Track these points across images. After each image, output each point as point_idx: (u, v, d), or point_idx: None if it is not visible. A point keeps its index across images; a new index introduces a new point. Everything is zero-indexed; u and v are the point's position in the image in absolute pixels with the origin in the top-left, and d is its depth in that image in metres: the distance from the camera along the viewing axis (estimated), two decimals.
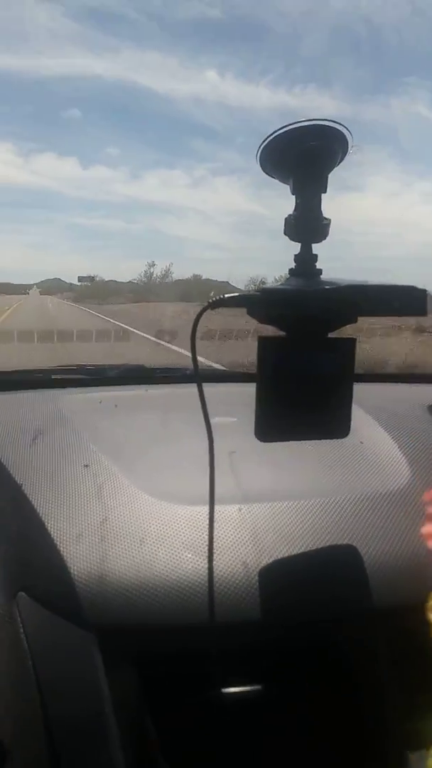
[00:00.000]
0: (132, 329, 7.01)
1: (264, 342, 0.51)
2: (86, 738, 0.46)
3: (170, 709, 0.48)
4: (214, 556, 0.52)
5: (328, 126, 0.46)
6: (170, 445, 0.71)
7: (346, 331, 0.52)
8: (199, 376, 0.52)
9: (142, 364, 1.06)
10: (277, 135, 0.47)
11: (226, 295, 0.53)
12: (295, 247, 0.51)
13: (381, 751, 0.51)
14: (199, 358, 0.52)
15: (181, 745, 0.49)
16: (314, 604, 0.51)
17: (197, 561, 0.52)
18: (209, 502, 0.51)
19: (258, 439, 0.52)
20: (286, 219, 0.51)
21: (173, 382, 0.96)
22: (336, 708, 0.51)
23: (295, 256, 0.51)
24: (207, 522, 0.52)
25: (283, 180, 0.50)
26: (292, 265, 0.52)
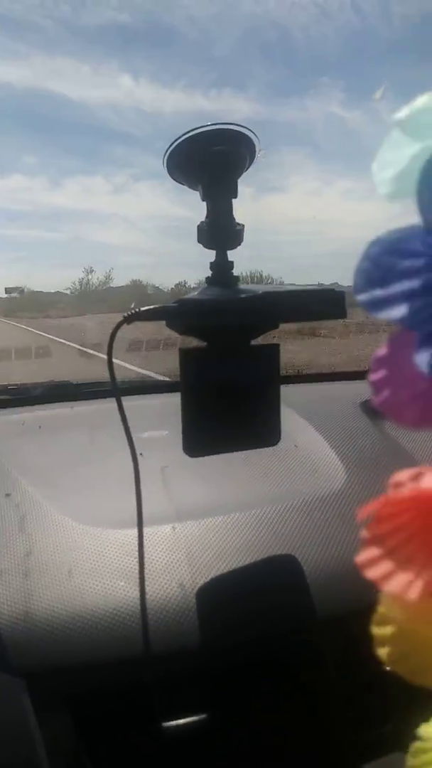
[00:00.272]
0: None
1: (185, 354, 0.50)
2: None
3: (108, 749, 0.45)
4: (148, 581, 0.49)
5: (232, 130, 0.45)
6: (98, 466, 0.68)
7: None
8: (117, 390, 0.50)
9: (68, 381, 1.01)
10: (182, 141, 0.46)
11: (143, 309, 0.51)
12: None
13: (341, 764, 0.50)
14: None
15: None
16: (256, 621, 0.50)
17: (130, 589, 0.49)
18: (137, 523, 0.49)
19: (186, 454, 0.51)
20: (198, 226, 0.49)
21: (100, 398, 0.92)
22: (286, 725, 0.50)
23: (211, 263, 0.50)
24: (138, 545, 0.49)
25: (192, 186, 0.49)
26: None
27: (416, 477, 0.17)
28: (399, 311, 0.16)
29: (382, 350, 0.17)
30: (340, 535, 0.56)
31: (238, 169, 0.47)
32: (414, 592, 0.15)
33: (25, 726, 0.43)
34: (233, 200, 0.49)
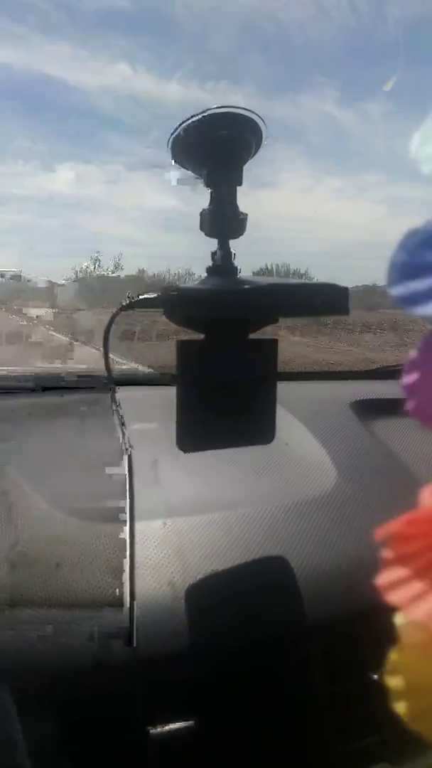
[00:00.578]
0: None
1: (182, 346, 0.48)
2: None
3: (91, 755, 0.44)
4: (137, 577, 0.48)
5: (241, 115, 0.44)
6: (88, 457, 0.66)
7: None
8: (112, 381, 0.49)
9: (59, 371, 0.99)
10: (188, 123, 0.44)
11: (141, 297, 0.49)
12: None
13: None
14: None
15: None
16: (245, 625, 0.49)
17: (119, 585, 0.48)
18: (128, 518, 0.47)
19: (180, 449, 0.49)
20: (201, 213, 0.48)
21: (93, 387, 0.90)
22: (270, 733, 0.48)
23: (212, 253, 0.48)
24: (128, 541, 0.48)
25: (196, 171, 0.47)
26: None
27: None
28: None
29: (415, 352, 0.16)
30: (331, 537, 0.56)
31: (244, 155, 0.46)
32: None
33: (7, 729, 0.42)
34: (237, 188, 0.47)
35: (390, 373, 1.04)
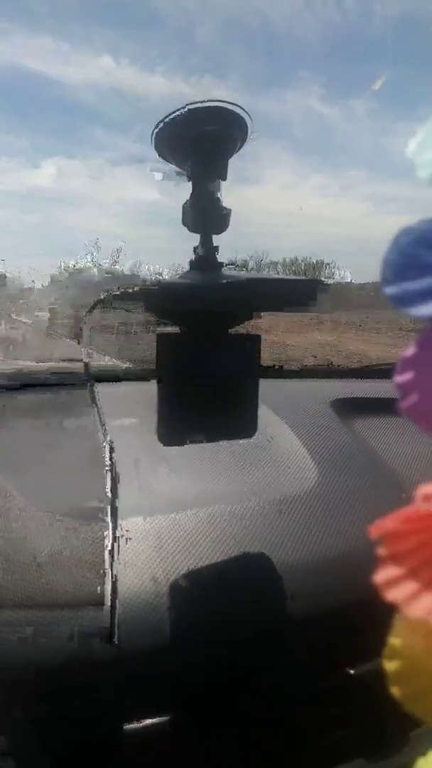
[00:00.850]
0: None
1: (162, 339, 0.48)
2: None
3: (65, 752, 0.43)
4: (119, 574, 0.47)
5: (227, 109, 0.43)
6: (68, 454, 0.66)
7: None
8: (91, 377, 0.48)
9: (39, 368, 0.97)
10: (173, 117, 0.43)
11: (120, 290, 0.49)
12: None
13: None
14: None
15: None
16: (229, 619, 0.49)
17: (100, 583, 0.48)
18: (110, 513, 0.47)
19: (161, 443, 0.49)
20: (183, 206, 0.47)
21: (72, 383, 0.89)
22: (252, 729, 0.48)
23: (195, 247, 0.48)
24: (110, 538, 0.48)
25: (180, 165, 0.47)
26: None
27: None
28: (430, 307, 0.15)
29: (409, 351, 0.16)
30: (312, 533, 0.56)
31: (229, 149, 0.46)
32: None
33: None
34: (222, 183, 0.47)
35: (372, 372, 1.05)
